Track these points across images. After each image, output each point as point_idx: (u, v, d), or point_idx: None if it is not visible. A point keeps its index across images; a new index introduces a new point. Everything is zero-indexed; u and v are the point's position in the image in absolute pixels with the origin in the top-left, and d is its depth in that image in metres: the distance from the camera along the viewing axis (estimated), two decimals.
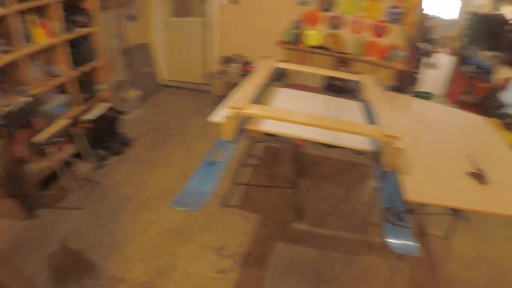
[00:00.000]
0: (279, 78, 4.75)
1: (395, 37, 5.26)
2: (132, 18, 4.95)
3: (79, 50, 3.55)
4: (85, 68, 3.66)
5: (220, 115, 2.06)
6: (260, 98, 2.60)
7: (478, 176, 2.25)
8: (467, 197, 2.07)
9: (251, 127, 2.16)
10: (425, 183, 2.11)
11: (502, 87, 6.28)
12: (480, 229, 4.10)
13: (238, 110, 1.89)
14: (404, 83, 5.55)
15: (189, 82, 6.03)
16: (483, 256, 3.71)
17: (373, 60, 5.28)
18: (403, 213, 1.86)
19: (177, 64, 5.94)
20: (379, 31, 5.31)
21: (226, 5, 5.47)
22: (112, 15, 4.43)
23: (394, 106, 3.24)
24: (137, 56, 5.21)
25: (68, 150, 3.39)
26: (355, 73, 5.32)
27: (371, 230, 3.37)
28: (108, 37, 4.28)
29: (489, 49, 6.82)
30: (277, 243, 2.98)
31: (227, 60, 5.25)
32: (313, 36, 5.28)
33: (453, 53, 7.23)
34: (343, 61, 5.40)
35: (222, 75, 5.29)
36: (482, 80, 6.06)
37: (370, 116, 2.52)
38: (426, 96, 6.01)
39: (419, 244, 1.68)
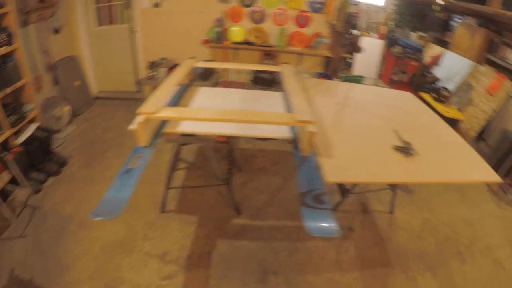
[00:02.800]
0: (206, 77, 4.77)
1: (318, 25, 5.42)
2: (56, 30, 4.74)
3: (1, 71, 3.32)
4: (9, 89, 3.43)
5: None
6: (179, 99, 2.65)
7: (404, 149, 2.38)
8: (391, 171, 2.18)
9: (168, 129, 2.16)
10: (347, 162, 2.19)
11: (433, 63, 6.56)
12: (424, 199, 4.33)
13: (149, 115, 1.89)
14: (332, 69, 5.68)
15: (122, 91, 5.86)
16: (430, 223, 3.92)
17: (298, 50, 5.41)
18: (323, 196, 1.90)
19: (107, 74, 5.75)
20: (302, 21, 5.45)
21: (148, 9, 5.40)
22: (34, 29, 4.23)
23: (317, 92, 3.38)
24: (65, 70, 4.99)
25: (3, 177, 3.24)
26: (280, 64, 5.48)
27: None
28: (31, 54, 4.15)
29: (417, 30, 7.13)
30: (217, 241, 3.02)
31: (154, 65, 5.13)
32: (237, 32, 5.34)
33: (382, 37, 7.46)
34: (268, 54, 5.45)
35: (151, 80, 5.18)
36: (412, 59, 6.29)
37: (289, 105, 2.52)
38: (356, 79, 6.20)
39: (338, 225, 1.67)
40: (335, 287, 2.77)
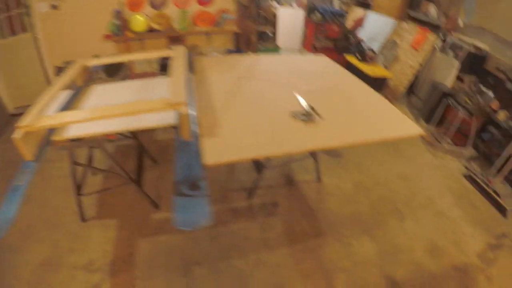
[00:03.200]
0: (114, 72, 4.51)
1: (222, 2, 5.24)
2: None
3: None
4: None
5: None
6: (71, 103, 2.52)
7: (303, 116, 2.28)
8: (283, 141, 2.06)
9: (55, 137, 2.06)
10: (234, 140, 2.04)
11: (357, 26, 6.53)
12: (354, 161, 4.28)
13: (27, 128, 1.76)
14: (243, 44, 5.55)
15: None
16: (362, 185, 3.86)
17: (204, 30, 5.23)
18: (200, 181, 1.75)
19: (21, 88, 5.06)
20: (204, 0, 5.20)
21: (47, 13, 5.01)
22: None
23: (219, 69, 3.22)
24: None
25: None
26: (189, 48, 5.27)
27: (233, 196, 3.40)
28: None
29: None
30: (139, 240, 2.95)
31: (61, 70, 4.81)
32: (138, 21, 5.04)
33: (303, 6, 7.38)
34: (174, 39, 5.25)
35: None
36: (333, 24, 6.24)
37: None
38: (273, 50, 6.08)
39: (209, 213, 1.58)
40: (264, 268, 2.69)
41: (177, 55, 2.75)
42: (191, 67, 3.14)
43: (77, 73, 2.71)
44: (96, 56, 4.36)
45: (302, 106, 2.40)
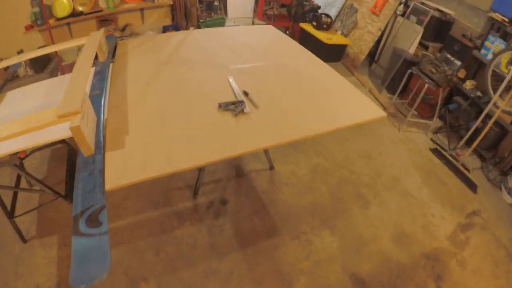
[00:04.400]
0: (43, 67, 3.98)
1: None
2: None
3: None
4: None
5: None
6: None
7: (232, 106, 1.88)
8: (207, 146, 1.68)
9: None
10: (144, 150, 1.63)
11: None
12: (311, 142, 3.97)
13: None
14: (181, 17, 5.00)
15: None
16: (320, 169, 3.60)
17: (134, 6, 4.59)
18: (100, 213, 1.36)
19: None
20: None
21: None
22: None
23: (139, 53, 2.72)
24: None
25: None
26: (121, 28, 4.70)
27: (176, 196, 3.08)
28: None
29: None
30: None
31: None
32: (60, 6, 4.44)
33: None
34: (104, 20, 4.67)
35: None
36: None
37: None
38: (217, 22, 5.58)
39: (108, 260, 1.24)
40: (215, 278, 2.47)
41: (89, 43, 2.23)
42: (112, 51, 2.71)
43: None
44: (21, 51, 3.97)
45: (234, 92, 2.04)
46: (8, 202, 2.64)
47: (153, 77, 2.24)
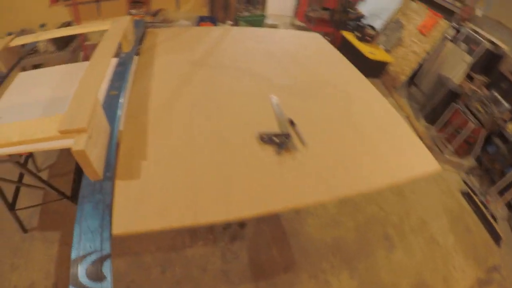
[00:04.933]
0: (65, 44, 3.85)
1: None
2: None
3: None
4: None
5: None
6: None
7: (276, 141, 1.51)
8: (239, 195, 1.29)
9: None
10: (162, 187, 1.29)
11: None
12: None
13: None
14: (219, 8, 4.62)
15: None
16: (349, 202, 3.28)
17: None
18: (104, 262, 1.08)
19: None
20: None
21: None
22: None
23: (169, 48, 2.38)
24: None
25: None
26: (153, 13, 4.33)
27: None
28: None
29: None
30: None
31: None
32: None
33: None
34: (136, 1, 4.31)
35: None
36: None
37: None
38: (257, 19, 5.19)
39: None
40: None
41: (113, 30, 1.88)
42: (140, 42, 2.39)
43: (1, 56, 2.09)
44: (43, 24, 3.78)
45: (278, 118, 1.67)
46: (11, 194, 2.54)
47: (183, 82, 1.93)
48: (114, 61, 2.04)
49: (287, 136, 1.51)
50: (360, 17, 5.27)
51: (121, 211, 1.20)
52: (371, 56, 4.68)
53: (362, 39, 4.99)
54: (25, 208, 2.74)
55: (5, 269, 2.56)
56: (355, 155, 1.53)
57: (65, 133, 1.17)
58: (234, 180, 1.30)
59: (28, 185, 2.49)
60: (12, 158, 1.75)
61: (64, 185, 2.94)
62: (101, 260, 1.07)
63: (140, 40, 2.43)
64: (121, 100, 1.67)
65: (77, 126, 1.16)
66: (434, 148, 4.27)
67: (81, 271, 1.04)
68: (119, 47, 2.05)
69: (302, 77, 2.10)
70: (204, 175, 1.31)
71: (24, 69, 4.04)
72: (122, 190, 1.27)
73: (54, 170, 3.42)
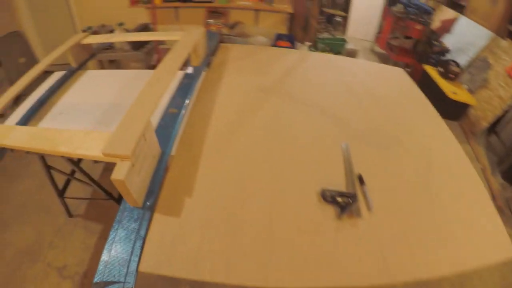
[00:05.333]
0: (140, 45, 3.97)
1: None
2: None
3: None
4: None
5: None
6: (54, 92, 2.03)
7: (339, 201, 1.28)
8: (288, 261, 1.12)
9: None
10: (203, 232, 1.19)
11: (443, 30, 5.31)
12: None
13: None
14: (298, 27, 4.46)
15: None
16: None
17: (248, 5, 4.07)
18: None
19: (55, 46, 4.77)
20: None
21: None
22: None
23: (244, 68, 2.27)
24: (7, 49, 4.64)
25: None
26: (231, 25, 4.26)
27: None
28: None
29: None
30: None
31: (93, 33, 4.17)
32: None
33: None
34: (215, 12, 4.27)
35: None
36: (416, 22, 5.03)
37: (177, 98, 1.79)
38: (336, 43, 4.97)
39: None
40: None
41: (183, 42, 1.79)
42: (211, 56, 2.32)
43: (73, 52, 2.19)
44: (121, 24, 3.87)
45: (346, 172, 1.44)
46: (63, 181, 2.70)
47: (247, 109, 1.80)
48: (180, 74, 1.98)
49: (353, 197, 1.26)
50: (444, 51, 4.90)
51: (153, 249, 1.11)
52: (453, 96, 4.32)
53: (444, 75, 4.62)
54: (73, 198, 2.88)
55: (44, 246, 2.71)
56: (423, 232, 1.25)
57: (108, 156, 1.11)
58: (280, 242, 1.14)
59: (78, 180, 2.53)
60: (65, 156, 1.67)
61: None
62: None
63: (212, 53, 2.35)
64: (178, 120, 1.59)
65: (121, 152, 1.09)
66: (506, 211, 3.82)
67: None
68: (188, 59, 2.00)
69: (381, 121, 1.82)
70: (248, 230, 1.17)
71: (101, 62, 4.20)
72: (159, 227, 1.18)
73: (110, 164, 3.42)
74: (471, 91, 4.71)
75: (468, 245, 1.22)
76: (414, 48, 5.36)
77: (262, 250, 1.10)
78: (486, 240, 1.26)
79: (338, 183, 1.35)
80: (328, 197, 1.28)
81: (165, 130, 1.51)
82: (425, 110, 2.01)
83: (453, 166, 1.56)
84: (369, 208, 1.27)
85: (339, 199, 1.27)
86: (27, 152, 1.62)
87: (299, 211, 1.23)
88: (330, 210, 1.24)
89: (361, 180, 1.37)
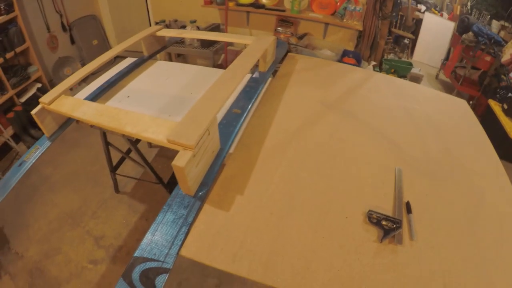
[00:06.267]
0: (209, 44, 4.15)
1: None
2: None
3: (5, 36, 3.60)
4: (9, 54, 3.62)
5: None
6: (122, 77, 2.17)
7: (385, 224, 1.27)
8: (326, 272, 1.13)
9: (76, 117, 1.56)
10: (248, 229, 1.23)
11: None
12: None
13: (45, 105, 1.55)
14: (365, 46, 4.41)
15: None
16: None
17: (319, 18, 4.05)
18: (158, 275, 1.05)
19: (127, 33, 4.95)
20: None
21: None
22: None
23: (308, 80, 2.31)
24: (82, 29, 5.02)
25: (7, 133, 3.59)
26: (299, 36, 4.29)
27: None
28: (45, 15, 4.36)
29: (500, 18, 5.58)
30: None
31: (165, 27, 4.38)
32: None
33: (454, 18, 6.00)
34: (284, 20, 4.31)
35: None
36: (486, 53, 4.84)
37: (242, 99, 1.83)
38: (403, 67, 4.87)
39: None
40: None
41: (253, 47, 1.85)
42: (278, 64, 2.36)
43: (146, 42, 2.33)
44: (194, 21, 4.06)
45: (395, 198, 1.41)
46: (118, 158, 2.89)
47: (307, 122, 1.81)
48: (247, 77, 2.04)
49: (398, 223, 1.23)
50: (510, 86, 4.67)
51: (197, 237, 1.16)
52: None
53: (509, 113, 4.40)
54: (124, 176, 3.02)
55: (88, 214, 2.89)
56: (461, 273, 1.18)
57: (172, 143, 1.19)
58: (318, 255, 1.15)
59: (133, 160, 2.66)
60: (126, 136, 1.82)
61: (167, 169, 3.16)
62: (159, 271, 1.05)
63: (279, 60, 2.39)
64: (240, 121, 1.64)
65: (185, 142, 1.15)
66: None
67: (136, 271, 1.04)
68: (256, 65, 2.04)
69: (438, 151, 1.75)
70: (291, 239, 1.19)
71: (169, 55, 4.38)
72: (206, 217, 1.23)
73: (164, 151, 3.65)
74: None
75: None
76: (480, 80, 5.15)
77: (301, 259, 1.12)
78: None
79: (385, 208, 1.33)
80: (374, 219, 1.27)
81: (227, 128, 1.57)
82: (485, 151, 1.89)
83: (504, 214, 1.46)
84: (412, 237, 1.24)
85: (384, 223, 1.25)
86: (92, 126, 1.72)
87: (343, 228, 1.23)
88: (373, 232, 1.23)
89: (408, 207, 1.34)
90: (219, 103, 1.35)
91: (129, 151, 2.77)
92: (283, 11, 4.15)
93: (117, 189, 3.07)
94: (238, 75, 1.61)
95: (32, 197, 3.03)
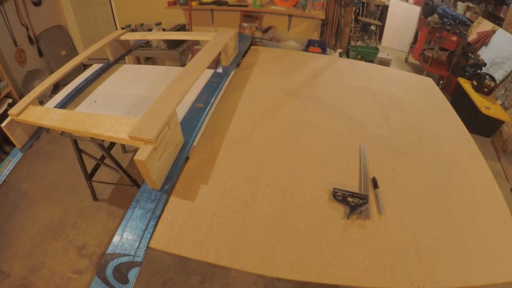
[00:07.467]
0: (177, 44, 4.17)
1: None
2: (36, 3, 4.65)
3: None
4: None
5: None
6: (89, 84, 2.20)
7: (350, 200, 1.30)
8: (292, 252, 1.15)
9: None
10: (211, 215, 1.26)
11: (479, 42, 5.21)
12: None
13: (14, 117, 1.57)
14: (330, 35, 4.47)
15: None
16: None
17: (281, 10, 4.14)
18: (130, 269, 1.09)
19: (94, 41, 5.04)
20: None
21: None
22: (10, 6, 4.23)
23: (271, 70, 2.34)
24: (49, 41, 4.96)
25: None
26: (264, 29, 4.33)
27: None
28: (10, 29, 4.30)
29: None
30: None
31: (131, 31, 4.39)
32: None
33: (419, 2, 6.13)
34: (248, 16, 4.36)
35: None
36: (452, 33, 4.95)
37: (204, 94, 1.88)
38: (369, 52, 4.95)
39: None
40: None
41: (213, 43, 1.89)
42: (241, 58, 2.41)
43: (111, 47, 2.33)
44: (159, 23, 4.06)
45: (361, 174, 1.45)
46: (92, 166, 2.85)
47: (270, 109, 1.86)
48: (209, 72, 2.07)
49: (364, 199, 1.26)
50: (481, 64, 4.78)
51: (165, 228, 1.18)
52: (485, 111, 4.22)
53: (478, 89, 4.51)
54: (100, 182, 2.98)
55: (68, 225, 2.85)
56: (434, 241, 1.22)
57: (133, 139, 1.21)
58: (285, 235, 1.17)
59: (107, 165, 2.67)
60: (95, 141, 1.85)
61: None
62: (131, 265, 1.08)
63: (243, 54, 2.43)
64: (203, 115, 1.67)
65: (145, 136, 1.18)
66: None
67: (109, 267, 1.08)
68: (219, 59, 2.08)
69: (403, 128, 1.81)
70: (256, 222, 1.21)
71: (138, 60, 4.38)
72: (173, 208, 1.26)
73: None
74: (505, 108, 4.59)
75: (481, 261, 1.18)
76: (448, 60, 5.27)
77: (267, 241, 1.14)
78: (501, 258, 1.20)
79: (352, 185, 1.37)
80: (339, 197, 1.29)
81: (190, 122, 1.60)
82: (451, 122, 1.95)
83: (475, 181, 1.51)
84: (379, 211, 1.27)
85: (350, 200, 1.28)
86: (61, 134, 1.73)
87: (309, 207, 1.26)
88: (339, 210, 1.26)
89: (374, 183, 1.37)
90: (178, 97, 1.38)
91: (103, 157, 2.76)
92: (246, 6, 4.21)
93: (95, 197, 3.06)
94: (198, 69, 1.64)
95: (12, 214, 3.01)
